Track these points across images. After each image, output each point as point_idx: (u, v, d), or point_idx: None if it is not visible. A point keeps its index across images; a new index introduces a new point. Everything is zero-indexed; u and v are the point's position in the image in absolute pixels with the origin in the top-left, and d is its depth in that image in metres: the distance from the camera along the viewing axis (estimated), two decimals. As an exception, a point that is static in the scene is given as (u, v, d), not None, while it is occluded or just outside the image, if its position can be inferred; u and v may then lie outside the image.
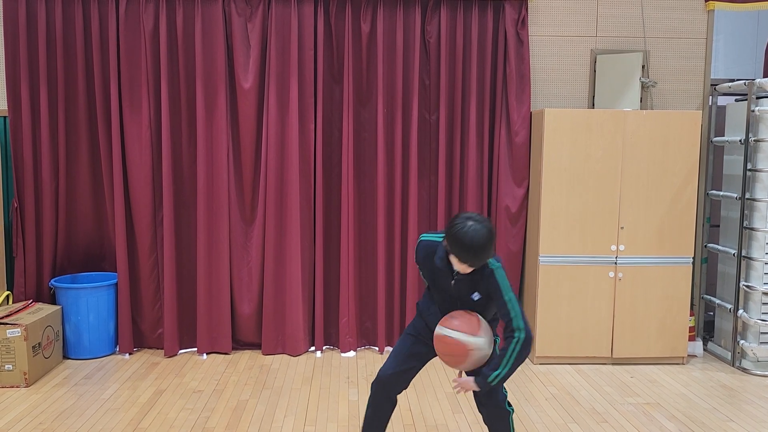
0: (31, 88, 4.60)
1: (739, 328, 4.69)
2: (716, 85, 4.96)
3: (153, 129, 4.69)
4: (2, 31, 4.58)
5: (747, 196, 4.62)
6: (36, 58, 4.59)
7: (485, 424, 3.01)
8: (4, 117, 4.71)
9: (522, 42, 4.77)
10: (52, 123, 4.65)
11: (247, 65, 4.68)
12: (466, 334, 2.77)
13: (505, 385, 2.85)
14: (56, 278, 4.73)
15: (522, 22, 4.75)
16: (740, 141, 4.64)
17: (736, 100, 4.89)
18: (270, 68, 4.66)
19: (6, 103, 4.63)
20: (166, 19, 4.60)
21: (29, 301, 4.55)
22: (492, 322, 2.92)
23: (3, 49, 4.60)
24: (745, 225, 4.64)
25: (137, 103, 4.65)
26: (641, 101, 4.87)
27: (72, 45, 4.62)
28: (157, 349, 4.85)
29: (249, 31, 4.67)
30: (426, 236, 2.95)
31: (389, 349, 4.94)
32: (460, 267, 2.71)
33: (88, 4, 4.60)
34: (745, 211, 4.64)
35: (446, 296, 2.89)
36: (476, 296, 2.83)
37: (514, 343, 2.68)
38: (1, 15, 4.58)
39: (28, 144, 4.62)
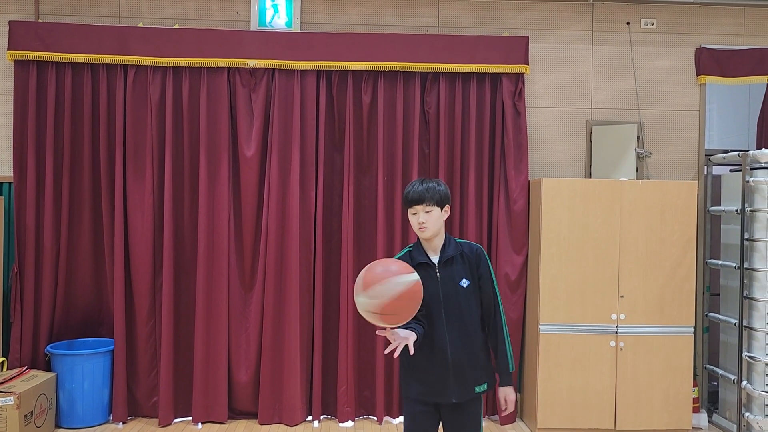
0: (37, 155, 4.67)
1: (744, 400, 4.61)
2: (711, 155, 5.04)
3: (156, 196, 4.74)
4: (12, 99, 4.70)
5: (746, 265, 4.63)
6: (44, 125, 4.68)
7: None
8: (10, 183, 4.77)
9: (519, 113, 4.88)
10: (56, 189, 4.71)
11: (250, 134, 4.77)
12: (412, 273, 2.44)
13: None
14: (52, 344, 4.67)
15: (519, 94, 4.88)
16: (737, 211, 4.69)
17: (731, 170, 4.96)
18: (272, 137, 4.75)
19: (12, 170, 4.69)
20: (172, 89, 4.72)
21: (24, 368, 4.49)
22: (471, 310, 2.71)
23: (12, 117, 4.70)
24: (745, 294, 4.63)
25: (141, 170, 4.72)
26: (637, 171, 4.94)
27: (79, 113, 4.72)
28: (152, 417, 4.75)
29: (253, 102, 4.79)
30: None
31: (388, 419, 4.85)
32: (422, 219, 2.65)
33: (96, 73, 4.73)
34: (745, 281, 4.64)
35: (435, 297, 2.63)
36: (465, 282, 2.67)
37: (503, 321, 2.77)
38: (12, 83, 4.70)
39: (31, 210, 4.66)
